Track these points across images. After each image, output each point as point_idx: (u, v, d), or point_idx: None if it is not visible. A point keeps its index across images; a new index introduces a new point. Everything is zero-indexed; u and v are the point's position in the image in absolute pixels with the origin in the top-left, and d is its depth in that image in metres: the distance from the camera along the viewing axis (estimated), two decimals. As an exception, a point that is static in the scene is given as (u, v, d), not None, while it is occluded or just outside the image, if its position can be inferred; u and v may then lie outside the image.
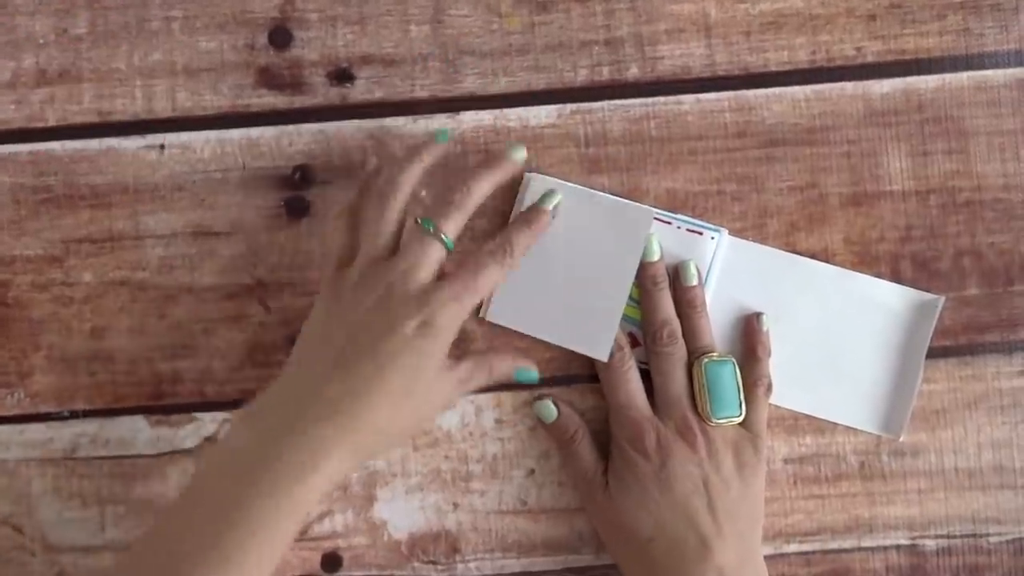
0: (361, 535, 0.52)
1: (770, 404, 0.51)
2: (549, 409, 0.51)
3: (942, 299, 0.50)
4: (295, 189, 0.52)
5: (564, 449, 0.51)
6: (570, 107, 0.52)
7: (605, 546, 0.51)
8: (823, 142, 0.51)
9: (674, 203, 0.52)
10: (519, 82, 0.52)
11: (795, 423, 0.51)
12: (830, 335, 0.51)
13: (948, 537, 0.51)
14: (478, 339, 0.51)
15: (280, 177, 0.52)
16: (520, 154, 0.49)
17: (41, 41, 0.52)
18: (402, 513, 0.52)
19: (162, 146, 0.52)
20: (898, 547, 0.51)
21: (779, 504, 0.51)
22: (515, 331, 0.51)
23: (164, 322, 0.52)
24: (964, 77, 0.51)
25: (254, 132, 0.52)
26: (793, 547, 0.51)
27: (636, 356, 0.50)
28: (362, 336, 0.43)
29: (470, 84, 0.52)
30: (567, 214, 0.50)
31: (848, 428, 0.51)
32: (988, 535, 0.51)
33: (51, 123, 0.52)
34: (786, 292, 0.51)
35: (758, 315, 0.50)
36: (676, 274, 0.50)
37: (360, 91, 0.52)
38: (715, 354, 0.49)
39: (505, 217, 0.51)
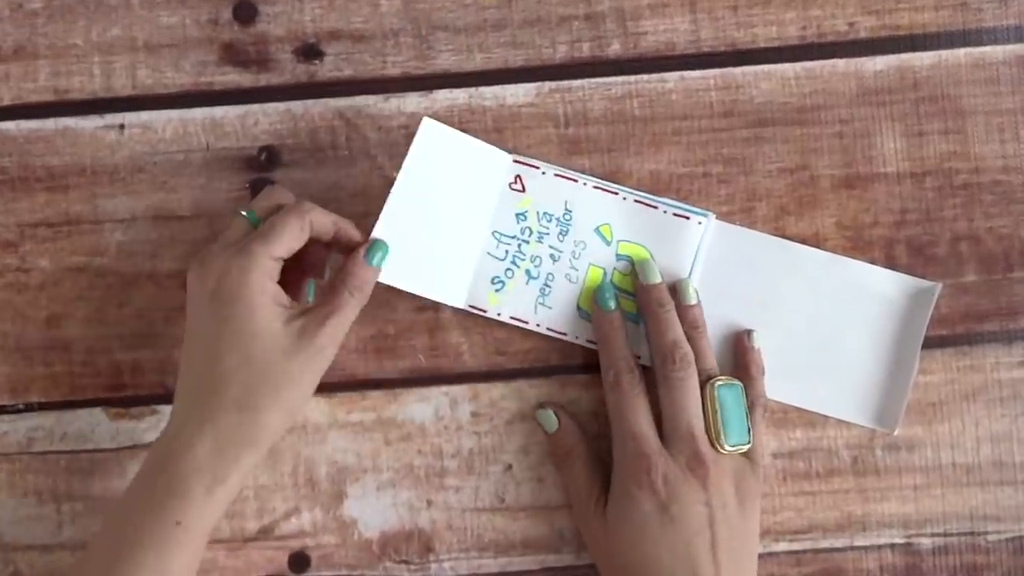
0: (330, 534, 0.50)
1: None
2: (549, 419, 0.49)
3: (939, 286, 0.49)
4: (261, 171, 0.50)
5: (560, 464, 0.49)
6: (549, 85, 0.50)
7: (593, 562, 0.49)
8: (814, 122, 0.50)
9: (658, 186, 0.50)
10: (495, 59, 0.50)
11: (784, 416, 0.50)
12: (821, 324, 0.49)
13: (945, 535, 0.50)
14: (454, 327, 0.50)
15: (245, 158, 0.50)
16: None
17: (-5, 16, 0.51)
18: (373, 511, 0.50)
19: (121, 126, 0.50)
20: (892, 546, 0.50)
21: (768, 501, 0.50)
22: (484, 317, 0.49)
23: (124, 310, 0.50)
24: (961, 54, 0.50)
25: (218, 111, 0.50)
26: (783, 546, 0.50)
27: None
28: (191, 332, 0.43)
29: (444, 61, 0.50)
30: (438, 160, 0.47)
31: (840, 421, 0.50)
32: (986, 533, 0.50)
33: (5, 102, 0.50)
34: (775, 279, 0.50)
35: (748, 332, 0.49)
36: (672, 293, 0.48)
37: (328, 68, 0.50)
38: (723, 377, 0.47)
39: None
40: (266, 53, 0.50)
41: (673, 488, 0.45)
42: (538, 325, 0.49)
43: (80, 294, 0.50)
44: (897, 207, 0.50)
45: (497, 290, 0.49)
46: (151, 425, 0.50)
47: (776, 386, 0.49)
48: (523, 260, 0.49)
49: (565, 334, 0.49)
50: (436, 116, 0.50)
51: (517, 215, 0.49)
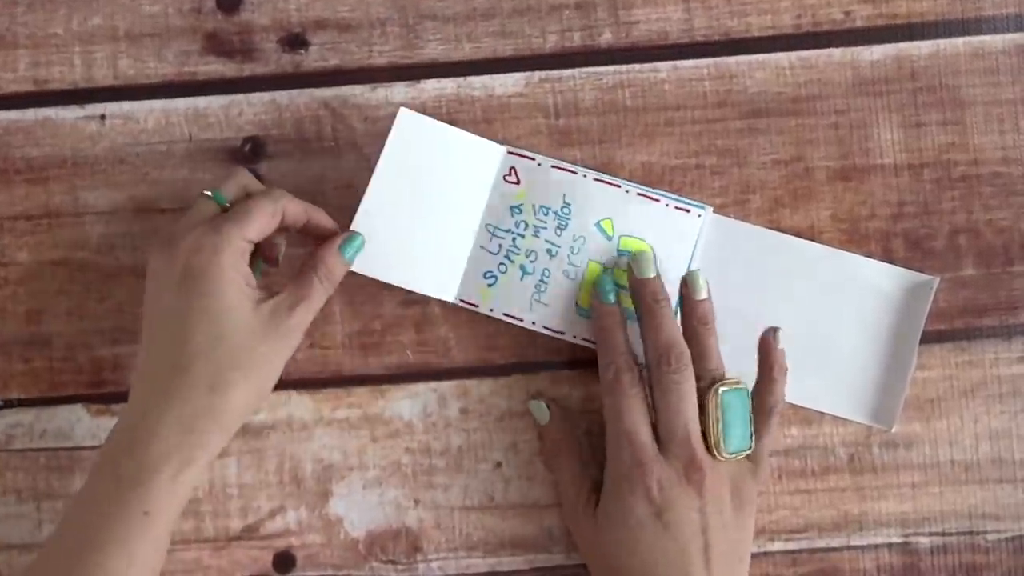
0: (315, 533, 0.49)
1: None
2: (541, 410, 0.48)
3: (936, 280, 0.48)
4: (245, 162, 0.50)
5: (549, 460, 0.49)
6: (539, 75, 0.50)
7: (584, 561, 0.48)
8: (809, 112, 0.50)
9: (650, 178, 0.49)
10: (484, 48, 0.50)
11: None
12: (817, 319, 0.49)
13: (943, 534, 0.49)
14: (442, 322, 0.49)
15: (229, 149, 0.50)
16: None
17: (-27, 5, 0.50)
18: (359, 509, 0.49)
19: (103, 116, 0.50)
20: (890, 545, 0.49)
21: (763, 499, 0.49)
22: (474, 312, 0.48)
23: (105, 304, 0.50)
24: (960, 43, 0.50)
25: (201, 102, 0.50)
26: (778, 545, 0.49)
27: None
28: (150, 312, 0.43)
29: (432, 51, 0.50)
30: (420, 151, 0.47)
31: (837, 418, 0.49)
32: (986, 532, 0.49)
33: (-16, 92, 0.50)
34: (770, 273, 0.49)
35: (774, 330, 0.48)
36: (683, 285, 0.47)
37: (314, 58, 0.50)
38: (728, 380, 0.45)
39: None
40: (250, 42, 0.50)
41: (668, 495, 0.44)
42: (533, 323, 0.48)
43: (60, 288, 0.49)
44: (894, 199, 0.49)
45: (490, 285, 0.48)
46: (133, 422, 0.49)
47: (770, 382, 0.49)
48: (517, 255, 0.48)
49: (562, 332, 0.48)
50: (424, 106, 0.49)
51: (512, 208, 0.48)
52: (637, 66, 0.50)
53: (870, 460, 0.49)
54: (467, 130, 0.48)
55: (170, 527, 0.41)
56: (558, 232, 0.48)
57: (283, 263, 0.47)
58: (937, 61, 0.50)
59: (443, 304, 0.49)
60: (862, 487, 0.49)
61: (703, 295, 0.46)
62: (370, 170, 0.46)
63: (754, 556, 0.49)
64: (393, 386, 0.49)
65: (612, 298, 0.47)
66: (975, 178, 0.50)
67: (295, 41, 0.50)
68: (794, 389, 0.49)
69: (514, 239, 0.48)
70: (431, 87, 0.49)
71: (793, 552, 0.49)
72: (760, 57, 0.49)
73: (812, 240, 0.49)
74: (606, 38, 0.50)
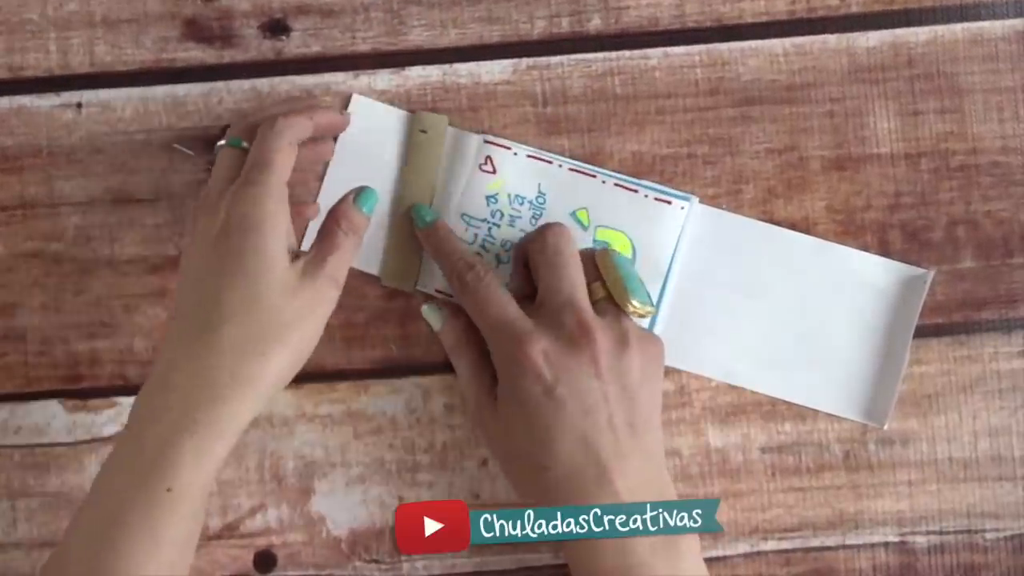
0: (297, 531, 0.49)
1: (744, 388, 0.48)
2: (435, 315, 0.47)
3: (931, 273, 0.48)
4: None
5: (452, 361, 0.47)
6: (526, 62, 0.49)
7: (495, 458, 0.48)
8: (804, 100, 0.49)
9: (640, 167, 0.49)
10: (470, 34, 0.49)
11: (773, 409, 0.49)
12: (808, 313, 0.48)
13: (941, 533, 0.49)
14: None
15: (208, 139, 0.49)
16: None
17: (-54, -10, 0.49)
18: (342, 507, 0.49)
19: (79, 104, 0.49)
20: (886, 544, 0.49)
21: (756, 498, 0.49)
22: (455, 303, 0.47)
23: (81, 298, 0.49)
24: (958, 29, 0.49)
25: (180, 89, 0.49)
26: (771, 544, 0.49)
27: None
28: (185, 274, 0.42)
29: (416, 37, 0.49)
30: (384, 140, 0.48)
31: (831, 415, 0.49)
32: (984, 531, 0.49)
33: (-43, 80, 0.49)
34: (761, 266, 0.48)
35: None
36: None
37: (296, 44, 0.49)
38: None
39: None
40: (231, 28, 0.49)
41: (557, 366, 0.42)
42: None
43: (35, 281, 0.49)
44: (891, 190, 0.49)
45: None
46: (110, 418, 0.49)
47: (760, 377, 0.48)
48: (493, 245, 0.47)
49: None
50: (408, 94, 0.49)
51: (487, 198, 0.47)
52: (627, 53, 0.49)
53: (866, 457, 0.49)
54: (453, 119, 0.48)
55: (200, 503, 0.39)
56: (533, 222, 0.47)
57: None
58: (935, 48, 0.49)
59: (428, 297, 0.48)
60: (858, 485, 0.49)
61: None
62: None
63: (747, 555, 0.49)
64: (376, 381, 0.49)
65: (429, 217, 0.47)
66: (974, 168, 0.49)
67: (276, 27, 0.49)
68: (783, 384, 0.48)
69: (489, 229, 0.47)
70: (416, 74, 0.49)
71: (787, 551, 0.49)
72: (753, 43, 0.49)
73: (807, 231, 0.48)
74: (595, 24, 0.49)
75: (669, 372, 0.48)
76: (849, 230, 0.48)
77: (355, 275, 0.46)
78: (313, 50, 0.49)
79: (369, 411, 0.49)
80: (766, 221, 0.48)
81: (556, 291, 0.43)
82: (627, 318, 0.44)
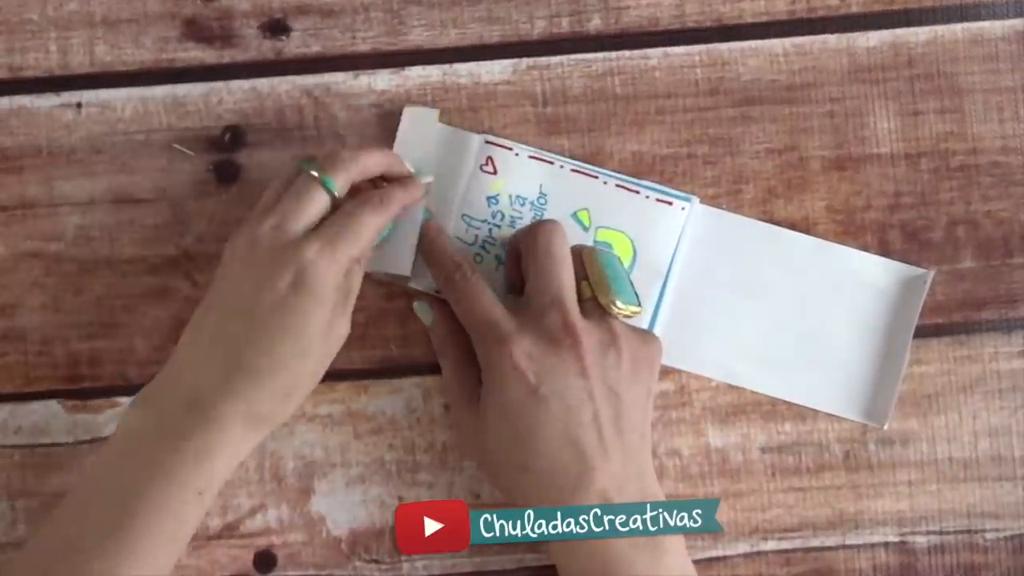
0: (297, 531, 0.49)
1: (744, 388, 0.48)
2: (426, 312, 0.47)
3: (931, 273, 0.48)
4: (225, 152, 0.49)
5: (439, 359, 0.48)
6: (526, 62, 0.49)
7: (475, 464, 0.48)
8: (804, 100, 0.49)
9: (640, 167, 0.49)
10: (470, 34, 0.49)
11: (773, 408, 0.49)
12: (808, 313, 0.48)
13: (941, 533, 0.49)
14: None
15: (208, 139, 0.49)
16: (426, 178, 0.47)
17: (-55, -10, 0.49)
18: (342, 507, 0.49)
19: (79, 104, 0.49)
20: (886, 544, 0.49)
21: (756, 497, 0.49)
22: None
23: (81, 298, 0.49)
24: (958, 29, 0.49)
25: (180, 89, 0.49)
26: (771, 544, 0.49)
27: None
28: (235, 302, 0.41)
29: (416, 37, 0.49)
30: (416, 146, 0.48)
31: (831, 414, 0.49)
32: (984, 531, 0.49)
33: (-43, 80, 0.49)
34: (761, 266, 0.48)
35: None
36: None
37: (296, 44, 0.49)
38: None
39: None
40: (230, 29, 0.49)
41: (542, 366, 0.42)
42: None
43: (35, 281, 0.49)
44: (891, 190, 0.49)
45: None
46: (109, 418, 0.48)
47: (760, 377, 0.48)
48: (493, 246, 0.47)
49: None
50: (408, 94, 0.49)
51: (488, 198, 0.47)
52: (627, 53, 0.49)
53: (866, 457, 0.49)
54: (453, 119, 0.48)
55: (178, 533, 0.41)
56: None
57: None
58: (935, 48, 0.49)
59: (427, 297, 0.48)
60: (858, 485, 0.49)
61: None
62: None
63: (746, 555, 0.49)
64: (376, 381, 0.49)
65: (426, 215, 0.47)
66: (974, 168, 0.49)
67: (276, 27, 0.49)
68: (783, 384, 0.48)
69: (490, 230, 0.47)
70: (416, 74, 0.49)
71: (787, 551, 0.49)
72: (753, 43, 0.49)
73: (807, 231, 0.48)
74: (595, 24, 0.49)
75: (669, 372, 0.48)
76: (849, 230, 0.48)
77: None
78: (313, 50, 0.49)
79: (369, 411, 0.49)
80: (766, 221, 0.48)
81: (542, 291, 0.43)
82: (614, 317, 0.44)
